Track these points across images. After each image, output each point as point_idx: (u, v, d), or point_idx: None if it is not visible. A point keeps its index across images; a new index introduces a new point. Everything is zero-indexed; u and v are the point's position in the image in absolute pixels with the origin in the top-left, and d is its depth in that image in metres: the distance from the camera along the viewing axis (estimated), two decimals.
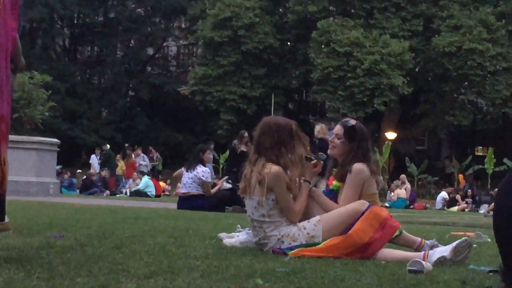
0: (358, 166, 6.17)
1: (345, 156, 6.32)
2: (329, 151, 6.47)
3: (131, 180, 31.52)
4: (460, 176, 41.87)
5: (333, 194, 6.32)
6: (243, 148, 18.59)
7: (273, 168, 5.67)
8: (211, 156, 21.34)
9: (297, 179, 5.83)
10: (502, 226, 4.10)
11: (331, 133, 16.15)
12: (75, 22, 57.99)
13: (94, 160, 35.76)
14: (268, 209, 5.73)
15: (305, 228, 5.71)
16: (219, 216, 11.68)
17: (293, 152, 5.81)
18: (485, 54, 41.39)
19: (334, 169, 6.47)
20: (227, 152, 23.88)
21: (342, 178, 6.27)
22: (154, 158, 38.60)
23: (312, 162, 6.03)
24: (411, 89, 43.15)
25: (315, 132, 16.98)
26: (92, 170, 33.47)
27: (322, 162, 6.17)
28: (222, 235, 6.48)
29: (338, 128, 6.42)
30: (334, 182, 6.39)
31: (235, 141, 19.28)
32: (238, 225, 7.12)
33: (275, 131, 5.80)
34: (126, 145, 39.35)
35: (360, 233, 5.52)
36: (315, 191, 6.08)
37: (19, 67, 4.97)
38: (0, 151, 4.52)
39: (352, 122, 6.43)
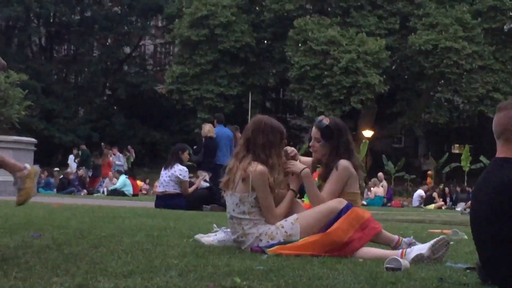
0: (344, 163, 6.13)
1: (328, 156, 6.26)
2: (313, 155, 6.43)
3: (107, 179, 31.38)
4: (430, 173, 42.22)
5: None
6: None
7: (258, 167, 5.68)
8: None
9: (280, 183, 5.82)
10: (479, 223, 4.13)
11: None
12: (51, 20, 57.66)
13: (72, 159, 35.61)
14: (249, 206, 5.74)
15: (283, 227, 5.71)
16: (196, 215, 11.66)
17: (280, 156, 5.83)
18: (461, 52, 41.67)
19: (318, 166, 6.43)
20: None
21: (326, 178, 6.21)
22: (126, 156, 38.20)
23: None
24: (387, 87, 43.34)
25: (205, 131, 16.98)
26: (69, 170, 33.30)
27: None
28: (198, 236, 6.43)
29: (314, 131, 6.34)
30: (317, 179, 6.35)
31: None
32: (214, 224, 7.08)
33: (269, 131, 5.80)
34: (103, 144, 39.10)
35: (339, 232, 5.53)
36: (308, 174, 6.03)
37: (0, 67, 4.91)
38: None
39: (325, 121, 6.31)
